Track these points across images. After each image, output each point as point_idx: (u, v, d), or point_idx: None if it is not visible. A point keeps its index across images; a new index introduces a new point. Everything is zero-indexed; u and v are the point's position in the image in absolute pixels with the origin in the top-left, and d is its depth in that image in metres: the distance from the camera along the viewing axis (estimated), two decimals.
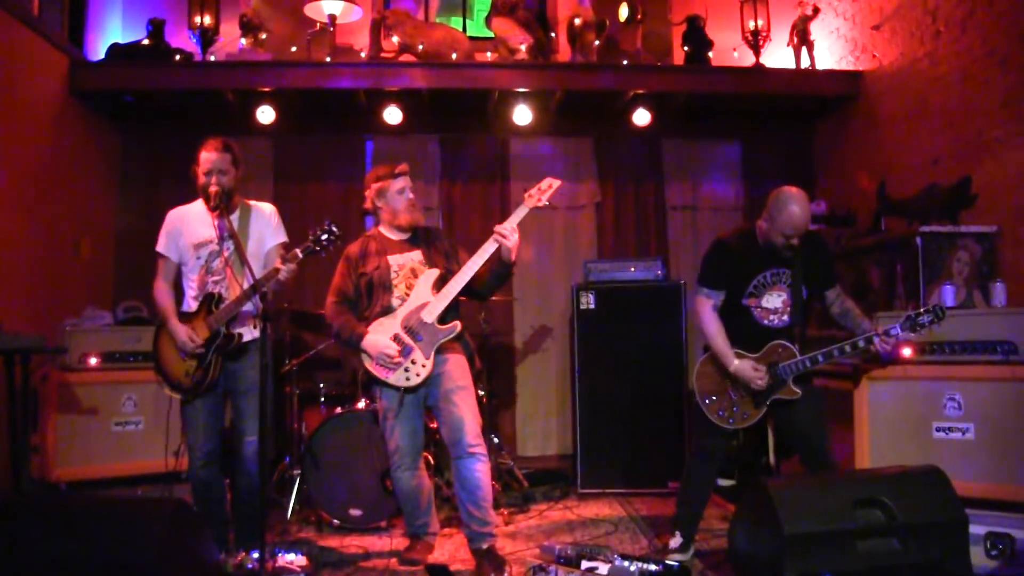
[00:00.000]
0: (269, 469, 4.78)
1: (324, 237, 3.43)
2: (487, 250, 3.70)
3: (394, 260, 3.84)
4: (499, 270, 3.76)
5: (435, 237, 4.02)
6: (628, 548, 4.11)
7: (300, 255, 3.46)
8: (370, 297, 3.84)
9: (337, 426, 4.55)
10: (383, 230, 3.97)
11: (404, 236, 3.93)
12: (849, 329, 3.74)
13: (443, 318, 3.73)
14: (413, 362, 3.69)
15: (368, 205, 3.97)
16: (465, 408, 3.69)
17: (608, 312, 5.37)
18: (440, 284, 3.77)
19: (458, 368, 3.78)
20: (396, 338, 3.70)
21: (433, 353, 3.70)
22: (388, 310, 3.77)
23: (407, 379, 3.69)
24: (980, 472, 3.71)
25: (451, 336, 3.73)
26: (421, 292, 3.77)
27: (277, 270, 3.43)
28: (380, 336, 3.70)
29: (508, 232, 3.64)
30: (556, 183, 3.79)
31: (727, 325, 3.69)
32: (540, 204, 3.75)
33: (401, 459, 3.82)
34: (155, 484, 4.48)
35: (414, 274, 3.81)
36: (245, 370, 3.65)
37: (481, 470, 3.65)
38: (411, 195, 3.94)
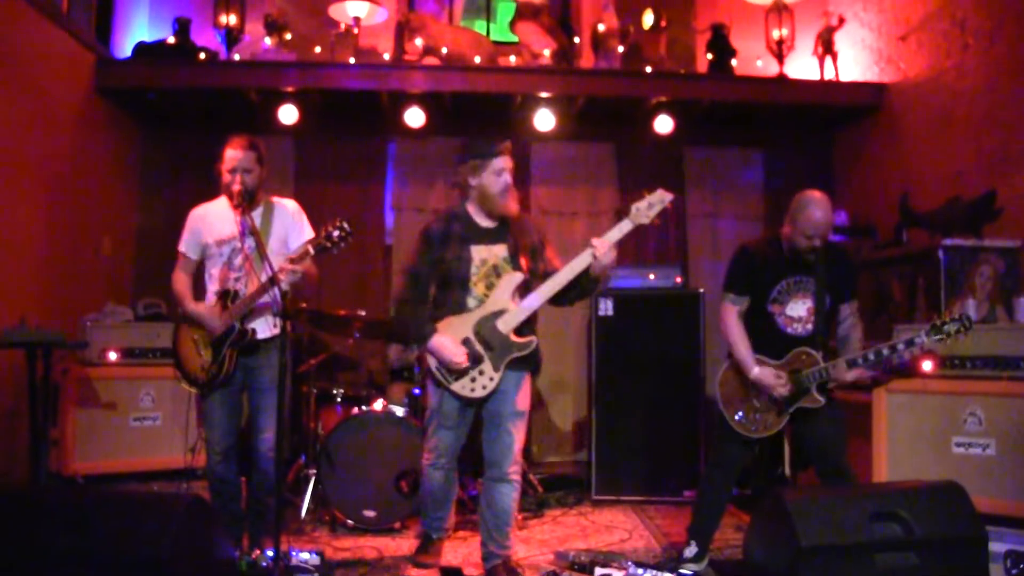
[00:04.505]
0: (284, 468, 4.80)
1: (336, 234, 3.35)
2: (580, 263, 3.39)
3: (477, 253, 3.52)
4: (587, 285, 3.48)
5: (524, 229, 3.64)
6: (642, 556, 4.09)
7: (311, 251, 3.42)
8: (443, 288, 3.58)
9: (353, 427, 4.56)
10: (471, 211, 3.60)
11: (492, 224, 3.59)
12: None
13: (519, 330, 3.47)
14: (481, 372, 3.43)
15: (461, 180, 3.58)
16: (518, 436, 3.51)
17: (626, 319, 5.34)
18: (523, 291, 3.49)
19: (523, 392, 3.55)
20: (466, 342, 3.44)
21: (503, 367, 3.45)
22: (461, 308, 3.50)
23: (472, 390, 3.45)
24: (1001, 489, 3.67)
25: (525, 352, 3.46)
26: (501, 297, 3.47)
27: (278, 275, 3.39)
28: (449, 340, 3.43)
29: (604, 250, 3.35)
30: (668, 196, 3.37)
31: (751, 331, 3.67)
32: (645, 222, 3.38)
33: (438, 458, 3.67)
34: (172, 480, 4.51)
35: (496, 272, 3.50)
36: (262, 367, 3.65)
37: (514, 497, 3.55)
38: (509, 179, 3.52)
